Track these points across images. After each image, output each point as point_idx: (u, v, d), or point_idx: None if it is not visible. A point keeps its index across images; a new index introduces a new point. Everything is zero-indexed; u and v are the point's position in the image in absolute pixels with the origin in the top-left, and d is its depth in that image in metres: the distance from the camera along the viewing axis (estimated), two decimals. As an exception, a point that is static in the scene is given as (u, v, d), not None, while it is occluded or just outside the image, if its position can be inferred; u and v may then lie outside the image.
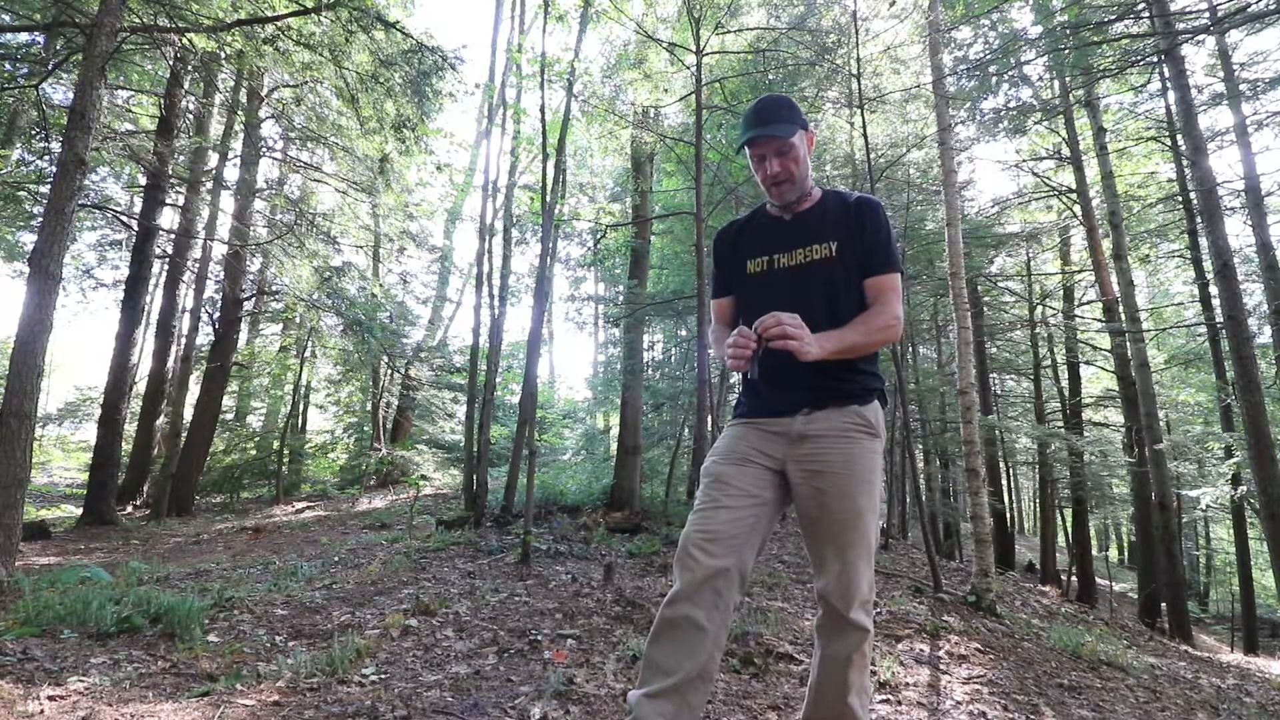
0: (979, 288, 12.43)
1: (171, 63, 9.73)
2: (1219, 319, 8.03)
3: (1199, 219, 8.72)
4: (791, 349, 1.40)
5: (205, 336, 12.41)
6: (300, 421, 15.82)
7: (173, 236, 10.97)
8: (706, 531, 1.50)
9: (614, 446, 11.25)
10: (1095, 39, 6.97)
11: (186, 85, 10.42)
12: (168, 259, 11.17)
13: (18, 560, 4.40)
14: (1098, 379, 17.73)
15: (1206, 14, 6.93)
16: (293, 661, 2.64)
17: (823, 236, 1.65)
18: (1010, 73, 8.18)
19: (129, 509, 10.47)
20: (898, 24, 8.20)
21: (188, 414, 11.52)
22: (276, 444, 13.13)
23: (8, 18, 8.11)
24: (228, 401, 14.62)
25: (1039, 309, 13.54)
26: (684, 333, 13.37)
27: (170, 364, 11.45)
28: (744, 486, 1.57)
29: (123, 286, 10.16)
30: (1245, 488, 8.67)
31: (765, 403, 1.67)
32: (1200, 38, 7.77)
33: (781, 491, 1.63)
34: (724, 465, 1.62)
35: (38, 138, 9.32)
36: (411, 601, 3.86)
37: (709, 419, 6.14)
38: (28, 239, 12.91)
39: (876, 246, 1.63)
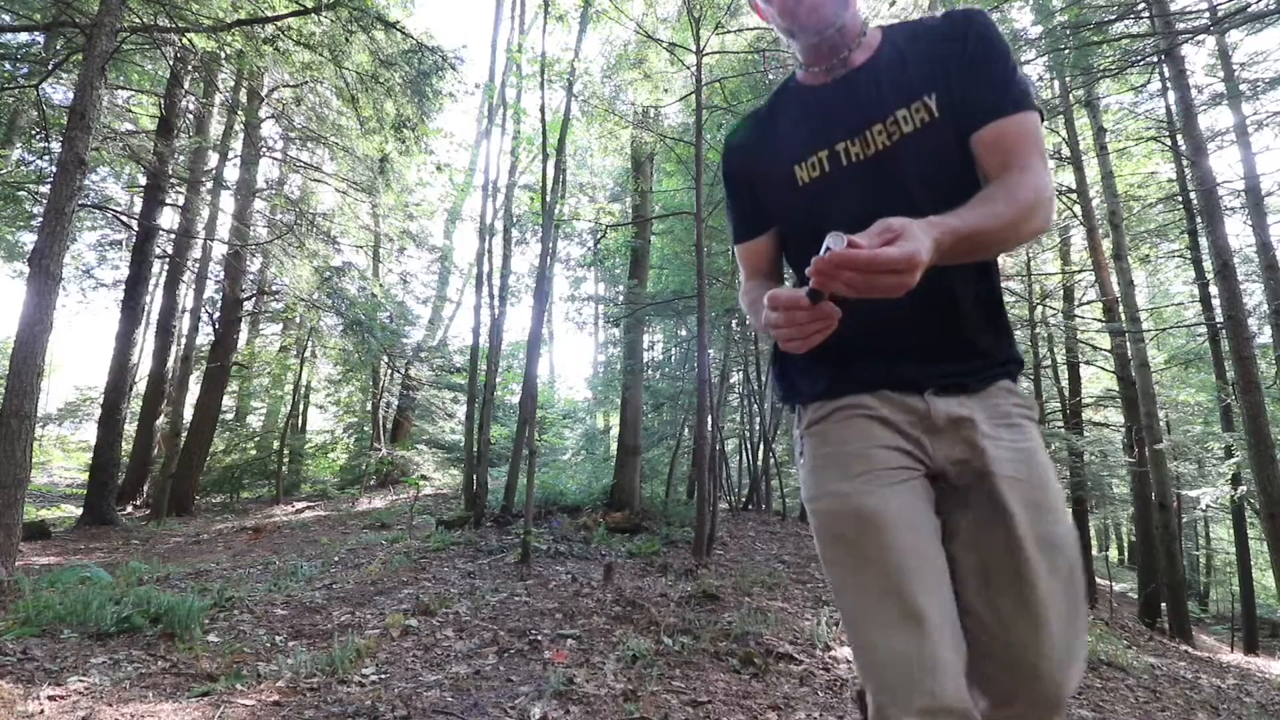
0: (979, 288, 12.41)
1: (171, 63, 9.73)
2: (1219, 319, 8.03)
3: (1199, 219, 8.72)
4: (895, 289, 0.72)
5: (205, 336, 12.41)
6: (300, 421, 15.82)
7: (173, 236, 10.98)
8: (928, 664, 0.85)
9: (614, 446, 11.26)
10: (1095, 39, 6.97)
11: (186, 85, 10.43)
12: (168, 259, 11.18)
13: (18, 560, 4.40)
14: (1098, 379, 17.72)
15: (1206, 14, 6.93)
16: (293, 661, 2.64)
17: (911, 91, 1.00)
18: (1010, 73, 8.17)
19: (129, 509, 10.48)
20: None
21: (188, 414, 11.51)
22: (276, 444, 13.13)
23: (8, 18, 8.11)
24: (228, 401, 14.62)
25: (1039, 309, 13.54)
26: (684, 333, 13.37)
27: (170, 364, 11.45)
28: (921, 523, 0.95)
29: (123, 286, 10.17)
30: (1245, 488, 8.67)
31: (865, 372, 1.05)
32: (1200, 38, 7.77)
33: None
34: (872, 493, 0.95)
35: (38, 138, 9.32)
36: (411, 601, 3.86)
37: (709, 419, 6.14)
38: (28, 239, 12.92)
39: (993, 77, 0.97)
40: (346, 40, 7.38)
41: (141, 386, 11.88)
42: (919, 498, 0.97)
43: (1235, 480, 8.95)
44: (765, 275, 1.20)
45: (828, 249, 0.71)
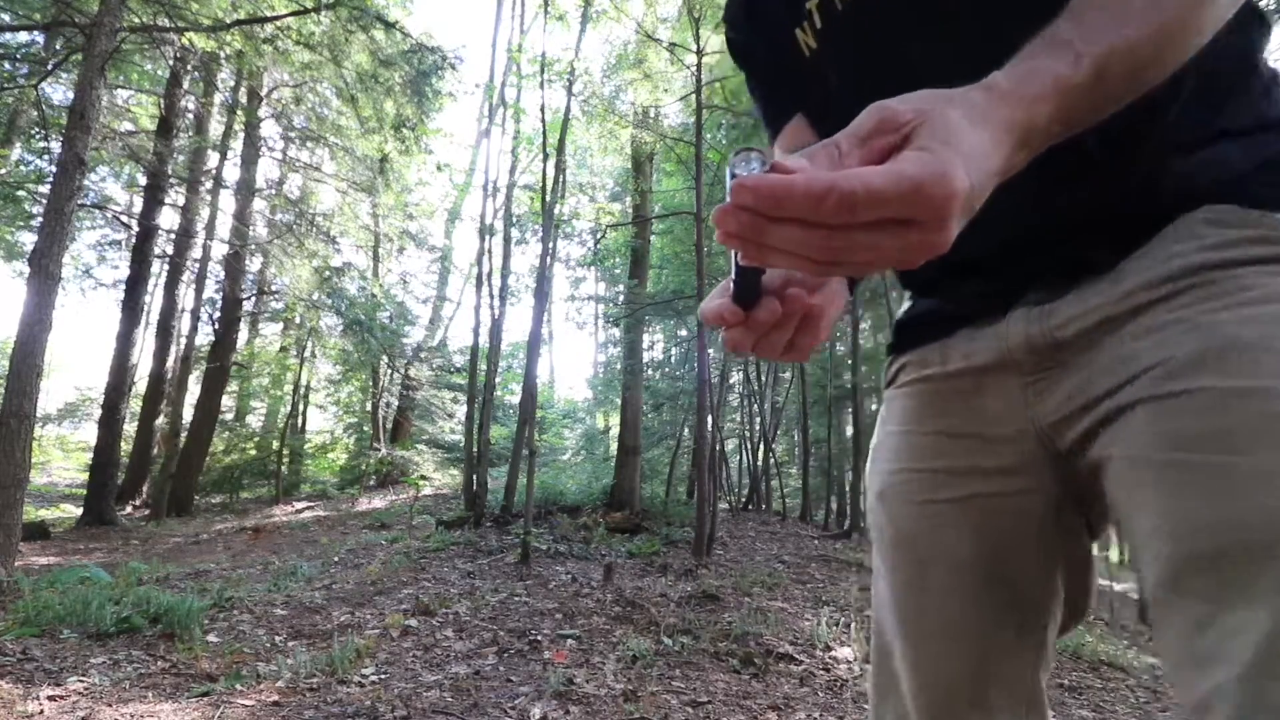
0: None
1: (171, 63, 9.73)
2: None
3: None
4: (902, 255, 0.34)
5: (205, 336, 12.43)
6: (300, 421, 15.83)
7: (173, 236, 10.98)
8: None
9: (614, 446, 11.27)
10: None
11: (186, 85, 10.43)
12: (168, 259, 11.18)
13: (17, 560, 4.40)
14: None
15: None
16: (292, 662, 2.64)
17: None
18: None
19: (129, 509, 10.47)
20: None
21: (187, 414, 11.52)
22: (276, 444, 13.13)
23: (8, 17, 8.11)
24: (227, 401, 14.62)
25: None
26: (684, 333, 13.37)
27: (170, 364, 11.46)
28: (956, 567, 0.63)
29: (123, 286, 10.17)
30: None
31: (938, 306, 0.69)
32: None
33: (1048, 507, 0.60)
34: (902, 507, 0.67)
35: (38, 138, 9.33)
36: (411, 602, 3.86)
37: (709, 419, 6.14)
38: (26, 239, 12.92)
39: None
40: (346, 40, 7.39)
41: (141, 386, 11.88)
42: (963, 527, 0.62)
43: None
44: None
45: (733, 177, 0.34)
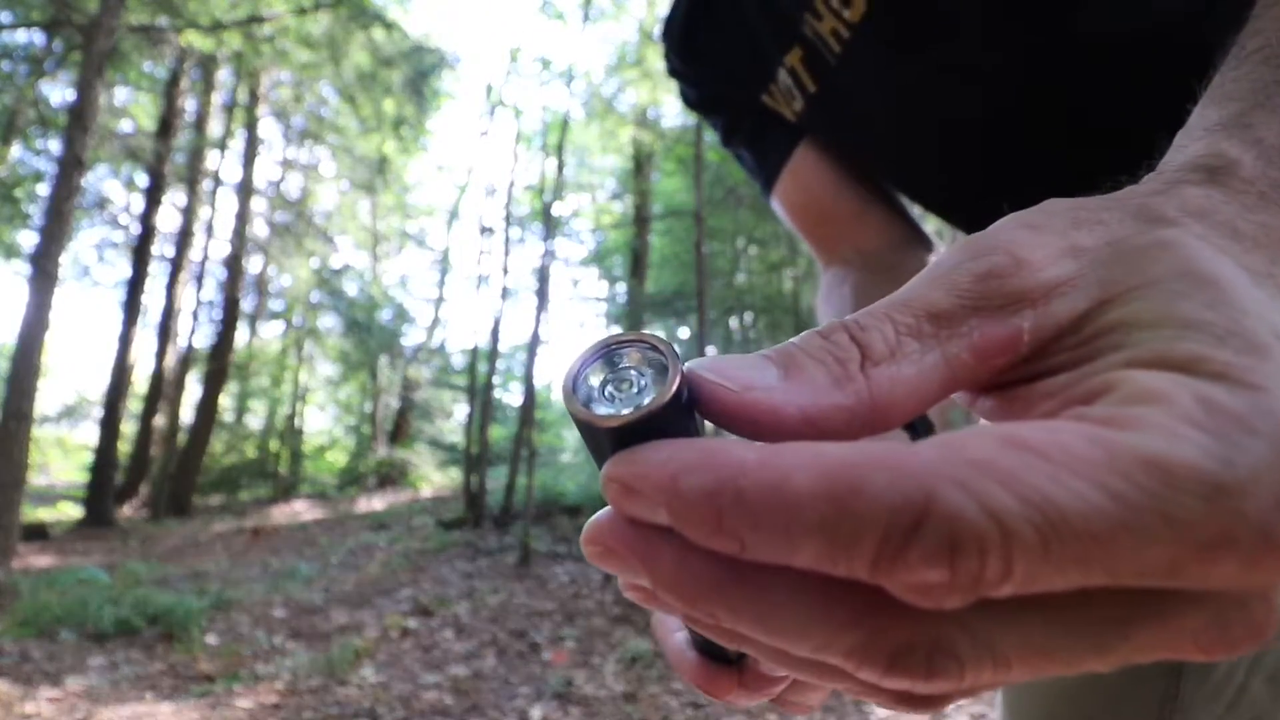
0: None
1: (171, 63, 9.73)
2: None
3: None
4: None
5: (205, 337, 12.43)
6: (299, 422, 15.82)
7: (173, 237, 10.98)
8: None
9: (614, 447, 11.26)
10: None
11: (186, 85, 10.43)
12: (168, 259, 11.18)
13: (16, 561, 4.40)
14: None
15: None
16: (291, 663, 2.64)
17: None
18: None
19: (128, 510, 10.46)
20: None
21: (187, 414, 11.52)
22: (275, 444, 13.12)
23: (7, 17, 8.10)
24: (226, 402, 14.61)
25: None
26: (684, 332, 13.37)
27: (169, 364, 11.45)
28: None
29: (123, 286, 10.18)
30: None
31: None
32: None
33: None
34: None
35: (37, 138, 9.33)
36: (410, 602, 3.85)
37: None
38: (25, 238, 12.92)
39: None
40: (346, 40, 7.39)
41: (141, 387, 11.87)
42: None
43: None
44: (846, 237, 0.58)
45: (592, 425, 0.13)
